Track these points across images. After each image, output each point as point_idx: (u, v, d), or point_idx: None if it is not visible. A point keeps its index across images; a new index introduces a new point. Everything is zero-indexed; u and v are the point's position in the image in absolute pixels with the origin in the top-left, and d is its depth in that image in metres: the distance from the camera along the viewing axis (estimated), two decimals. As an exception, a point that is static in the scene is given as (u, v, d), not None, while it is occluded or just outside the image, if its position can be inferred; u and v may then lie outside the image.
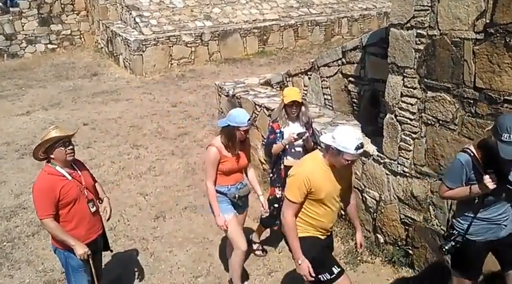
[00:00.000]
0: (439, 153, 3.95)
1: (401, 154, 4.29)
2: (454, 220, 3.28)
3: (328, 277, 3.29)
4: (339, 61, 5.63)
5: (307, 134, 4.48)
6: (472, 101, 3.60)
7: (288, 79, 6.63)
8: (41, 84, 11.76)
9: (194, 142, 7.80)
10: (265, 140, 5.04)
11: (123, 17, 13.57)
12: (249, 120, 3.95)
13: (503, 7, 3.27)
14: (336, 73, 5.74)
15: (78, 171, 3.61)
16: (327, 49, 11.12)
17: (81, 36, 15.33)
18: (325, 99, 6.02)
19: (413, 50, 3.96)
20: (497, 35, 3.33)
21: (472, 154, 3.04)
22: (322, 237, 3.37)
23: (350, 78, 5.55)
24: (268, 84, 7.04)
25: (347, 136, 3.03)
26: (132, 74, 12.04)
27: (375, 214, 4.74)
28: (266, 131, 5.19)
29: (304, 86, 6.28)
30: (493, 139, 2.88)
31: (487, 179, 2.92)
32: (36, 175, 3.63)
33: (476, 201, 3.08)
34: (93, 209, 3.64)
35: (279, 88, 6.80)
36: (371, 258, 4.71)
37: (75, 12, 15.10)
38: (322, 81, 5.98)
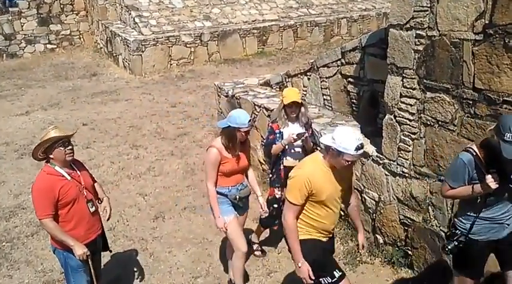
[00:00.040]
0: (438, 153, 3.96)
1: (400, 154, 4.29)
2: (455, 220, 3.28)
3: (330, 280, 3.28)
4: (338, 62, 5.64)
5: (307, 134, 4.49)
6: (471, 102, 3.61)
7: (287, 80, 6.64)
8: (40, 84, 11.75)
9: (193, 143, 7.80)
10: (264, 140, 5.04)
11: (122, 17, 13.57)
12: (250, 121, 3.94)
13: (502, 8, 3.28)
14: (335, 74, 5.74)
15: (78, 171, 3.61)
16: (326, 50, 11.13)
17: (81, 36, 15.32)
18: (324, 99, 6.02)
19: (412, 51, 3.96)
20: (497, 35, 3.33)
21: (474, 153, 3.04)
22: (324, 239, 3.36)
23: (349, 79, 5.55)
24: (268, 85, 7.05)
25: (347, 137, 3.02)
26: (132, 74, 12.03)
27: (374, 215, 4.74)
28: (265, 131, 5.19)
29: (304, 87, 6.28)
30: (495, 139, 2.88)
31: (489, 179, 2.92)
32: (35, 175, 3.63)
33: (479, 200, 3.08)
34: (92, 209, 3.64)
35: (278, 89, 6.80)
36: (370, 259, 4.71)
37: (74, 12, 15.08)
38: (321, 82, 5.98)
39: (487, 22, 3.39)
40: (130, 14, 12.82)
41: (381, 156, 4.51)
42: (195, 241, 5.24)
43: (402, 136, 4.23)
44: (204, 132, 8.19)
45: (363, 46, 5.23)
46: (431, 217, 4.16)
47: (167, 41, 12.14)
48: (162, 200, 6.12)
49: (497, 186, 2.92)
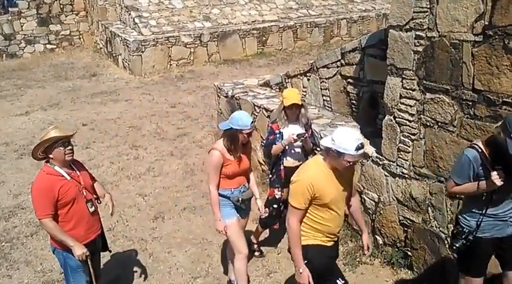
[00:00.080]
0: (437, 154, 3.96)
1: (400, 155, 4.30)
2: (460, 216, 3.27)
3: None
4: (338, 62, 5.64)
5: (307, 135, 4.49)
6: (470, 103, 3.61)
7: (287, 81, 6.64)
8: (39, 84, 11.75)
9: (193, 143, 7.80)
10: (264, 141, 5.04)
11: (122, 17, 13.57)
12: (252, 122, 3.92)
13: (501, 9, 3.29)
14: (335, 74, 5.74)
15: (77, 171, 3.61)
16: (326, 50, 11.13)
17: (80, 36, 15.31)
18: (324, 100, 6.03)
19: (412, 52, 3.97)
20: (496, 37, 3.34)
21: (480, 150, 3.04)
22: (329, 244, 3.30)
23: (349, 80, 5.55)
24: (267, 85, 7.05)
25: (346, 137, 2.99)
26: (131, 75, 12.03)
27: (373, 216, 4.74)
28: (265, 132, 5.20)
29: (303, 87, 6.29)
30: (501, 136, 2.87)
31: (494, 175, 2.91)
32: (35, 176, 3.63)
33: (484, 197, 3.07)
34: (92, 209, 3.64)
35: (278, 90, 6.80)
36: (370, 259, 4.71)
37: (74, 12, 15.07)
38: (321, 83, 5.99)
39: (486, 23, 3.39)
40: (130, 14, 12.82)
41: (380, 157, 4.51)
42: (194, 242, 5.24)
43: (402, 137, 4.24)
44: (204, 132, 8.19)
45: (363, 47, 5.23)
46: (431, 218, 4.16)
47: (167, 41, 12.14)
48: (162, 200, 6.12)
49: (503, 182, 2.91)
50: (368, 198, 4.75)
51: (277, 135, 4.52)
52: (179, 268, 4.83)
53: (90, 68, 13.10)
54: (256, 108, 6.31)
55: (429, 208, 4.15)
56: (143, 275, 4.68)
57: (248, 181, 4.19)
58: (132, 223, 5.61)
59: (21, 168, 7.12)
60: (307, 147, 4.58)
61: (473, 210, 3.15)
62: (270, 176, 4.75)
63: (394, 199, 4.48)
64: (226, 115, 6.94)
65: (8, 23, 14.24)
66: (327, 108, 5.99)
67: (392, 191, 4.46)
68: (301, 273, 3.19)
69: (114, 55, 13.29)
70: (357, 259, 4.71)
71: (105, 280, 4.22)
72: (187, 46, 12.38)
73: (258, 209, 4.27)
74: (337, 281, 3.30)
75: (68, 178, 3.50)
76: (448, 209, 4.00)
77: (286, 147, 4.49)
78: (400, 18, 4.01)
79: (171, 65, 12.29)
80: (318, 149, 4.55)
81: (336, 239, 3.39)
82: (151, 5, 13.01)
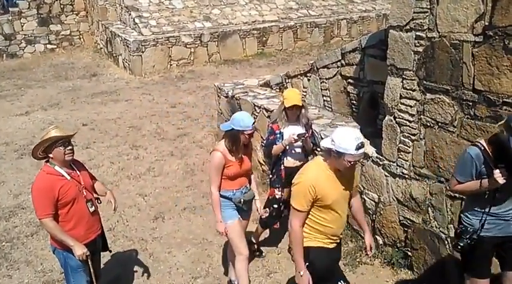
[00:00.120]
0: (438, 155, 3.96)
1: (400, 156, 4.30)
2: (462, 215, 3.27)
3: None
4: (338, 63, 5.64)
5: (307, 135, 4.49)
6: (471, 103, 3.61)
7: (287, 81, 6.65)
8: (40, 84, 11.75)
9: (193, 143, 7.80)
10: (264, 141, 5.04)
11: (122, 17, 13.57)
12: (254, 123, 3.92)
13: (502, 10, 3.29)
14: (335, 75, 5.75)
15: (77, 171, 3.62)
16: (326, 51, 11.14)
17: (81, 36, 15.32)
18: (324, 100, 6.03)
19: (412, 52, 3.97)
20: (496, 37, 3.34)
21: (482, 148, 3.03)
22: (332, 246, 3.29)
23: (349, 80, 5.55)
24: (268, 86, 7.05)
25: (346, 137, 2.98)
26: (132, 75, 12.04)
27: (373, 216, 4.75)
28: (266, 132, 5.20)
29: (304, 88, 6.29)
30: (504, 134, 2.87)
31: (497, 173, 2.91)
32: (35, 175, 3.63)
33: (487, 196, 3.07)
34: (92, 209, 3.64)
35: (278, 90, 6.81)
36: (370, 260, 4.71)
37: (74, 12, 15.08)
38: (321, 83, 5.99)
39: (486, 24, 3.40)
40: (130, 14, 12.82)
41: (380, 157, 4.51)
42: (194, 242, 5.24)
43: (402, 138, 4.24)
44: (204, 132, 8.19)
45: (363, 47, 5.24)
46: (431, 218, 4.16)
47: (167, 41, 12.15)
48: (162, 200, 6.12)
49: (505, 181, 2.91)
50: (368, 198, 4.76)
51: (278, 135, 4.53)
52: (179, 268, 4.83)
53: (91, 68, 13.11)
54: (256, 108, 6.32)
55: (429, 209, 4.16)
56: (143, 275, 4.68)
57: (249, 182, 4.19)
58: (132, 223, 5.62)
59: (22, 168, 7.12)
60: (307, 147, 4.58)
61: (476, 209, 3.15)
62: (271, 176, 4.75)
63: (394, 200, 4.48)
64: (227, 116, 6.94)
65: (9, 23, 14.24)
66: (327, 108, 6.00)
67: (393, 191, 4.47)
68: (301, 276, 3.18)
69: (114, 55, 13.29)
70: (357, 260, 4.71)
71: (105, 279, 4.22)
72: (187, 46, 12.39)
73: (257, 210, 4.27)
74: (339, 283, 3.29)
75: (68, 178, 3.50)
76: (448, 209, 4.00)
77: (287, 147, 4.49)
78: (400, 19, 4.01)
79: (171, 65, 12.30)
80: (318, 149, 4.55)
81: (338, 240, 3.38)
82: (152, 5, 13.02)
